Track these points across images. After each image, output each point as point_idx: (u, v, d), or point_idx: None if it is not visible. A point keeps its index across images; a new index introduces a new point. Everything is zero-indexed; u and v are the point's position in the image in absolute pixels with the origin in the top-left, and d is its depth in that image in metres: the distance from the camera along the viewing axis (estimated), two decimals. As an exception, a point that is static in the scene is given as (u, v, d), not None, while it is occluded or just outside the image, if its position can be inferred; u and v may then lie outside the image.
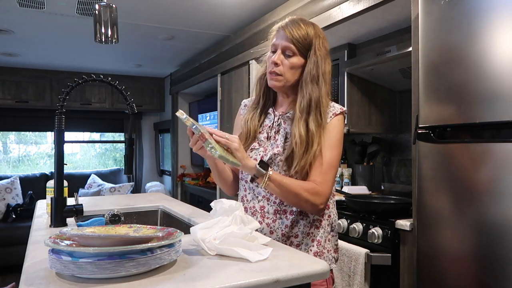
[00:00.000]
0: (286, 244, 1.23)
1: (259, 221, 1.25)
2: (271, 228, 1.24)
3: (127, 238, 0.84)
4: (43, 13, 2.82)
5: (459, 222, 1.33)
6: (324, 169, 1.19)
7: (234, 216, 1.04)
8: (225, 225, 1.02)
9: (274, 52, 1.25)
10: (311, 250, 1.23)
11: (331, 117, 1.24)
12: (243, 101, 1.46)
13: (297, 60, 1.23)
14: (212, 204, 1.10)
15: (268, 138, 1.29)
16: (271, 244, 1.05)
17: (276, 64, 1.23)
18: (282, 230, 1.23)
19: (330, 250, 1.27)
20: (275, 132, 1.28)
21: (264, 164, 1.16)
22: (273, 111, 1.32)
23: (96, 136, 5.74)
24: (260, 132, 1.31)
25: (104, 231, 0.93)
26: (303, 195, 1.15)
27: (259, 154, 1.26)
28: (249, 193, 1.29)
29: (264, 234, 1.22)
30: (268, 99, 1.34)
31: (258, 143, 1.29)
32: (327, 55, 1.26)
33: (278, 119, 1.29)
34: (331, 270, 1.27)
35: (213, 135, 1.13)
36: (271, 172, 1.15)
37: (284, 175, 1.20)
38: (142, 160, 5.65)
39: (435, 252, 1.41)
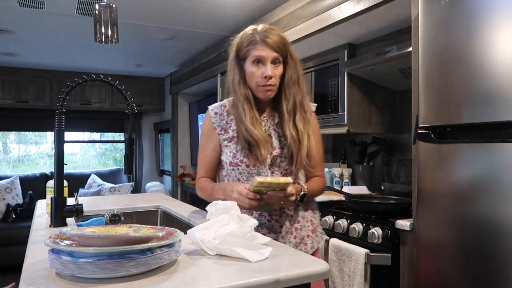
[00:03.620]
0: (291, 231, 1.33)
1: (268, 220, 1.32)
2: (280, 223, 1.32)
3: (127, 238, 0.84)
4: (43, 13, 2.82)
5: (459, 222, 1.33)
6: (320, 163, 1.43)
7: (231, 214, 1.04)
8: (223, 224, 1.02)
9: (256, 63, 1.25)
10: (309, 229, 1.37)
11: (310, 114, 1.35)
12: (211, 108, 1.40)
13: (281, 68, 1.30)
14: (207, 207, 1.11)
15: None
16: (271, 244, 1.05)
17: (270, 78, 1.26)
18: (289, 221, 1.34)
19: (319, 225, 1.44)
20: (268, 135, 1.32)
21: (301, 196, 1.29)
22: (260, 116, 1.35)
23: (96, 136, 5.73)
24: None
25: (104, 231, 0.93)
26: (320, 192, 1.43)
27: None
28: None
29: (275, 230, 1.31)
30: (251, 106, 1.31)
31: None
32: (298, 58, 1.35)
33: (267, 122, 1.35)
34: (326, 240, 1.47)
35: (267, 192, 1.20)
36: (305, 197, 1.30)
37: (288, 174, 1.33)
38: (142, 160, 5.64)
39: (435, 252, 1.41)
